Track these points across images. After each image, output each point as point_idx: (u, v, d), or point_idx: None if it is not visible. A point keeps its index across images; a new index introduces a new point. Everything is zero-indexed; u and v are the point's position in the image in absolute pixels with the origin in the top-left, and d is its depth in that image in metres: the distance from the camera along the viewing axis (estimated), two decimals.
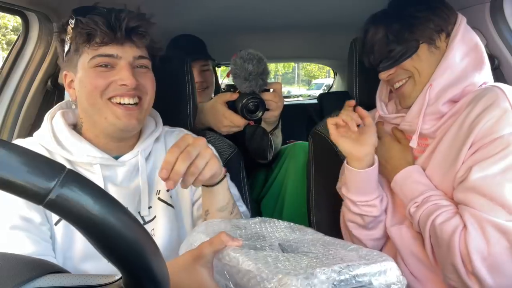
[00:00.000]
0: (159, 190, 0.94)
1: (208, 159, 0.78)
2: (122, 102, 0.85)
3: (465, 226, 0.83)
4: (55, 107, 0.95)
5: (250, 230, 0.75)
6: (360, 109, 0.99)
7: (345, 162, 1.02)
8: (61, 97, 1.39)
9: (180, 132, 1.05)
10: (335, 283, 0.53)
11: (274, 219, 0.81)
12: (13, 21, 12.98)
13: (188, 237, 0.74)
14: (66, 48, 0.86)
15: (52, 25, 1.24)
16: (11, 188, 0.31)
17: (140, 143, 0.93)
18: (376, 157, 0.99)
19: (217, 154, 0.98)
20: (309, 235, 0.73)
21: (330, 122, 0.98)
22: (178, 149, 0.75)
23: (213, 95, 1.76)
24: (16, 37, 1.34)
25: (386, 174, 1.05)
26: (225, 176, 0.87)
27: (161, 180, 0.93)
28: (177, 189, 0.97)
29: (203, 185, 0.86)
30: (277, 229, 0.76)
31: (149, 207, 0.91)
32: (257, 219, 0.80)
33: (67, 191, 0.32)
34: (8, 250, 0.71)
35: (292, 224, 0.79)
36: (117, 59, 0.84)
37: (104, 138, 0.89)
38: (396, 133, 1.06)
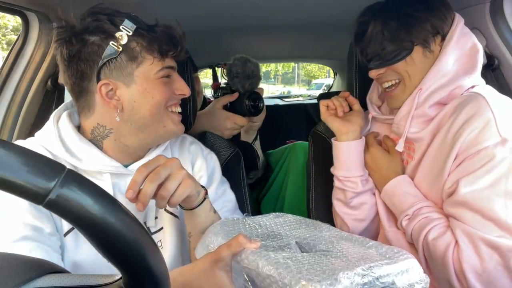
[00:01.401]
0: None
1: (180, 180, 0.75)
2: (176, 110, 0.90)
3: (457, 242, 0.83)
4: (60, 107, 0.92)
5: (265, 228, 0.73)
6: (350, 97, 1.10)
7: (333, 139, 1.10)
8: (61, 97, 1.39)
9: (183, 139, 1.05)
10: (359, 287, 0.52)
11: (288, 214, 0.80)
12: (13, 21, 12.98)
13: (203, 239, 0.72)
14: (112, 56, 0.79)
15: (52, 25, 1.24)
16: (11, 188, 0.31)
17: (151, 152, 0.92)
18: (363, 137, 1.07)
19: (206, 171, 0.98)
20: (325, 232, 0.72)
21: (322, 103, 1.11)
22: (147, 169, 0.74)
23: (212, 94, 1.76)
24: (16, 37, 1.34)
25: (377, 184, 1.06)
26: (205, 198, 0.84)
27: None
28: None
29: (183, 208, 0.84)
30: (292, 226, 0.74)
31: (155, 218, 0.91)
32: (271, 215, 0.79)
33: (67, 191, 0.32)
34: None
35: (306, 219, 0.78)
36: (173, 70, 0.88)
37: (126, 149, 0.87)
38: (387, 142, 1.06)
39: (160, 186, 0.74)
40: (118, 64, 0.80)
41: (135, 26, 0.80)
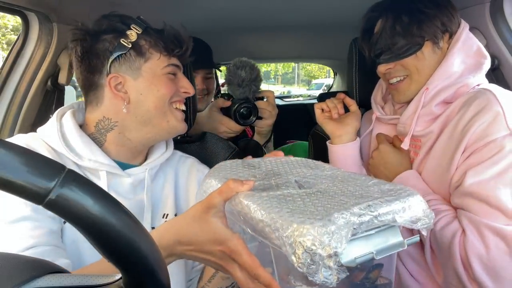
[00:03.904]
0: (167, 214, 0.94)
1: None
2: (180, 108, 0.94)
3: (463, 231, 0.83)
4: (66, 106, 0.95)
5: (264, 168, 0.70)
6: (347, 98, 1.12)
7: (327, 142, 1.11)
8: (61, 97, 1.39)
9: (194, 161, 1.06)
10: (355, 227, 0.48)
11: (291, 156, 0.76)
12: (13, 21, 12.99)
13: (201, 185, 0.70)
14: (122, 51, 0.86)
15: (52, 25, 1.24)
16: (11, 188, 0.31)
17: (149, 161, 0.94)
18: (358, 138, 1.08)
19: None
20: (327, 171, 0.68)
21: (317, 106, 1.13)
22: None
23: (213, 99, 1.76)
24: (16, 37, 1.34)
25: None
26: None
27: (168, 204, 0.95)
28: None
29: None
30: (294, 166, 0.71)
31: (152, 227, 0.90)
32: (272, 157, 0.76)
33: (67, 191, 0.32)
34: (20, 240, 0.70)
35: (309, 160, 0.74)
36: (178, 69, 0.93)
37: (128, 143, 0.90)
38: (396, 141, 1.06)
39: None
40: (127, 59, 0.87)
41: (144, 26, 0.88)
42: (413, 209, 0.53)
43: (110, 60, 0.86)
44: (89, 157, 0.84)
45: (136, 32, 0.86)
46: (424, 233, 0.55)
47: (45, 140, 0.85)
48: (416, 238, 0.54)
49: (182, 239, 0.60)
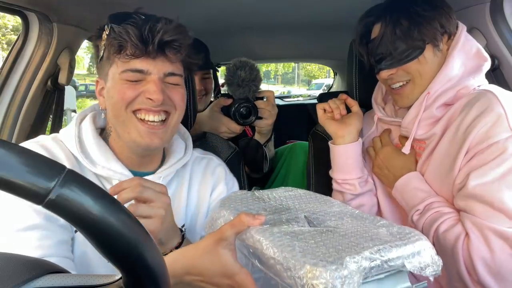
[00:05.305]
0: None
1: (150, 214, 0.71)
2: (147, 118, 0.81)
3: (467, 234, 0.83)
4: (87, 108, 0.93)
5: (274, 201, 0.72)
6: (349, 99, 1.11)
7: (329, 142, 1.11)
8: (61, 97, 1.39)
9: (209, 161, 1.01)
10: (366, 271, 0.50)
11: (298, 189, 0.78)
12: (13, 21, 12.99)
13: (211, 213, 0.71)
14: (100, 55, 0.83)
15: (52, 25, 1.24)
16: (11, 188, 0.31)
17: (164, 168, 0.89)
18: (360, 139, 1.08)
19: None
20: (336, 207, 0.69)
21: (319, 107, 1.12)
22: (139, 182, 0.71)
23: (212, 99, 1.76)
24: (16, 37, 1.34)
25: (389, 183, 1.05)
26: (179, 245, 0.79)
27: (179, 214, 0.91)
28: (189, 224, 0.95)
29: None
30: (303, 200, 0.73)
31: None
32: (281, 189, 0.77)
33: (67, 191, 0.32)
34: (27, 251, 0.69)
35: (318, 195, 0.76)
36: (147, 75, 0.80)
37: (127, 151, 0.86)
38: (402, 142, 1.05)
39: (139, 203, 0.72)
40: (102, 63, 0.84)
41: (110, 25, 0.79)
42: (422, 254, 0.54)
43: (97, 64, 0.86)
44: (103, 165, 0.82)
45: (106, 34, 0.80)
46: (431, 279, 0.55)
47: (64, 142, 0.84)
48: (424, 284, 0.55)
49: (192, 269, 0.61)
